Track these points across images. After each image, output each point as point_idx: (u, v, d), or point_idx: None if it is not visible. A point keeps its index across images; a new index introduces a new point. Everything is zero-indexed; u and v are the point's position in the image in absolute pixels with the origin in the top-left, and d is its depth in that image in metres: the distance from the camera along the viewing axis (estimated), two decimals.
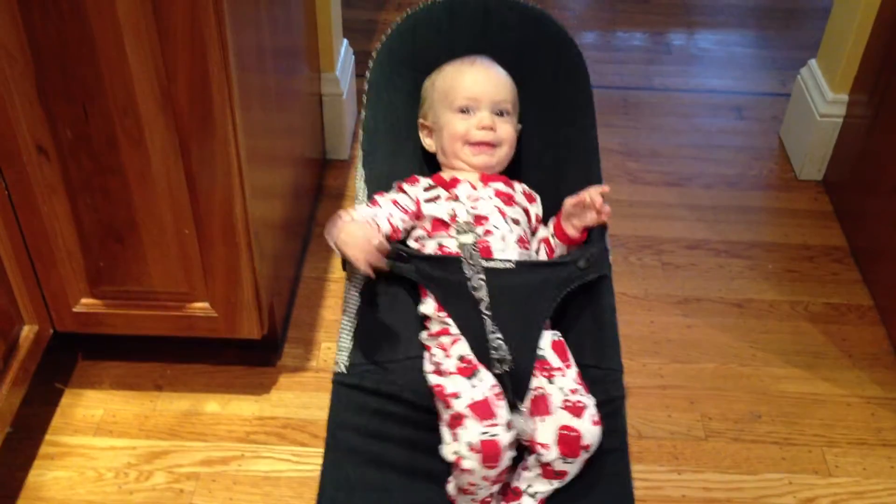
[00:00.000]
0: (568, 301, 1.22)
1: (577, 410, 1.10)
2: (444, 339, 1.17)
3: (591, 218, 1.24)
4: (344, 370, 1.21)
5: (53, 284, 1.44)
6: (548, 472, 1.10)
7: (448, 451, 1.07)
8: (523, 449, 1.14)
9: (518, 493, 1.11)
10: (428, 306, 1.21)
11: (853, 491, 1.49)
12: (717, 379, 1.67)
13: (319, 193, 2.08)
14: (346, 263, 1.24)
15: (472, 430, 1.05)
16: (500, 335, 1.13)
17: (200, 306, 1.48)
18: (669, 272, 1.90)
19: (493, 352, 1.12)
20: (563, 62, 1.35)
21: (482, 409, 1.06)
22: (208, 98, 1.25)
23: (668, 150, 2.26)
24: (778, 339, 1.76)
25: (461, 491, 1.09)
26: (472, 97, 1.29)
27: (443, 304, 1.18)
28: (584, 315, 1.24)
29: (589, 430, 1.09)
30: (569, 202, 1.25)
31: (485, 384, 1.10)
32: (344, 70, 2.12)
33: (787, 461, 1.53)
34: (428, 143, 1.36)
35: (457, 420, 1.06)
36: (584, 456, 1.10)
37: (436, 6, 1.35)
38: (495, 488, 1.10)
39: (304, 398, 1.61)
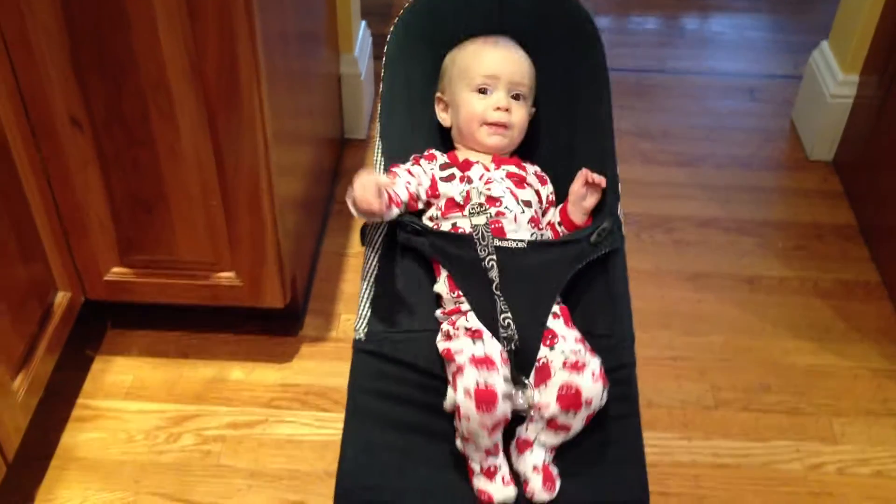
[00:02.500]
0: (580, 273, 1.24)
1: (576, 367, 1.11)
2: (456, 318, 1.21)
3: (596, 196, 1.29)
4: (363, 337, 1.24)
5: (85, 253, 1.50)
6: (552, 424, 1.12)
7: (448, 402, 1.12)
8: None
9: (528, 444, 1.15)
10: (441, 285, 1.24)
11: (859, 458, 1.53)
12: (727, 351, 1.72)
13: (338, 172, 2.13)
14: (365, 237, 1.28)
15: (470, 377, 1.08)
16: (509, 315, 1.16)
17: (226, 275, 1.53)
18: (681, 249, 1.94)
19: (501, 330, 1.15)
20: (579, 37, 1.36)
21: (482, 361, 1.09)
22: (236, 75, 1.30)
23: (681, 131, 2.30)
24: (787, 314, 1.80)
25: (464, 440, 1.13)
26: (491, 76, 1.31)
27: (456, 281, 1.21)
28: (596, 287, 1.26)
29: (588, 384, 1.10)
30: (576, 184, 1.29)
31: (489, 346, 1.13)
32: (362, 51, 2.17)
33: (794, 429, 1.58)
34: (443, 117, 1.38)
35: (458, 371, 1.10)
36: (584, 410, 1.11)
37: None
38: (497, 436, 1.13)
39: (325, 366, 1.67)
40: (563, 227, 1.31)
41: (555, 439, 1.13)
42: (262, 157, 1.39)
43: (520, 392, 1.14)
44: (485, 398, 1.07)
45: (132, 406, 1.59)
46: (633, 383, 1.19)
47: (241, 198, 1.43)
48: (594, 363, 1.12)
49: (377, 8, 2.62)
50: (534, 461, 1.13)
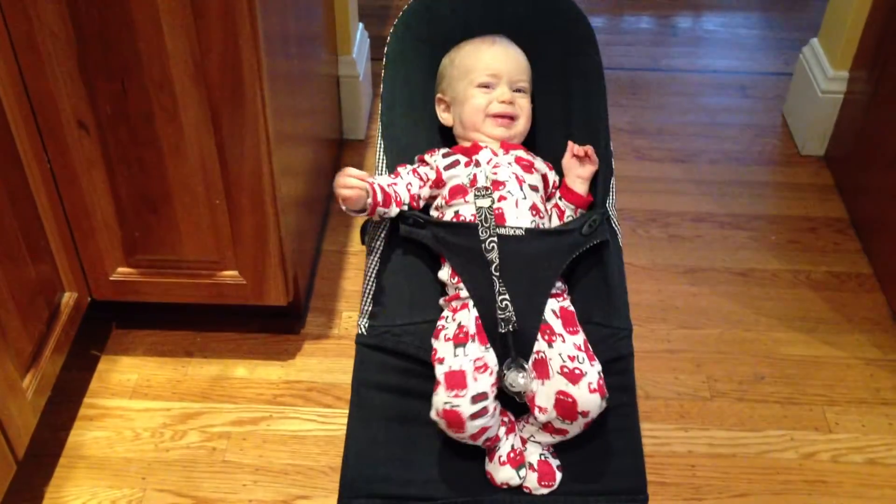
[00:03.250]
0: (578, 263, 1.28)
1: (574, 377, 1.12)
2: (455, 304, 1.23)
3: (591, 166, 1.33)
4: (365, 332, 1.26)
5: (91, 253, 1.52)
6: (548, 428, 1.15)
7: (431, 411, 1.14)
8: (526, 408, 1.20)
9: (524, 442, 1.17)
10: (444, 272, 1.27)
11: (852, 446, 1.56)
12: (722, 343, 1.75)
13: (337, 172, 2.14)
14: (365, 235, 1.31)
15: (440, 398, 1.11)
16: (507, 297, 1.18)
17: (230, 274, 1.56)
18: (676, 243, 1.97)
19: (499, 312, 1.17)
20: (573, 35, 1.40)
21: (454, 380, 1.11)
22: (239, 76, 1.33)
23: (675, 128, 2.33)
24: (781, 306, 1.83)
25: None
26: (493, 73, 1.34)
27: (456, 268, 1.23)
28: (593, 277, 1.29)
29: (585, 397, 1.11)
30: (567, 156, 1.34)
31: (468, 357, 1.14)
32: (360, 53, 2.19)
33: (789, 419, 1.61)
34: (444, 117, 1.40)
35: (436, 385, 1.13)
36: (581, 420, 1.13)
37: None
38: (484, 438, 1.14)
39: (327, 363, 1.69)
40: (566, 202, 1.33)
41: (550, 440, 1.16)
42: (264, 156, 1.42)
43: (520, 374, 1.15)
44: (453, 420, 1.10)
45: (138, 404, 1.61)
46: (631, 374, 1.22)
47: (244, 197, 1.46)
48: (592, 373, 1.13)
49: (374, 10, 2.65)
50: (530, 458, 1.15)
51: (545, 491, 1.13)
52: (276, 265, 1.55)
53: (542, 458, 1.16)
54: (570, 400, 1.11)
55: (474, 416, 1.10)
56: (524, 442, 1.17)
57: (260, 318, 1.75)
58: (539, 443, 1.16)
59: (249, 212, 1.48)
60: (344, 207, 1.22)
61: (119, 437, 1.55)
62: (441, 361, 1.14)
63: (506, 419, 1.18)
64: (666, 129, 2.32)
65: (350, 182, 1.20)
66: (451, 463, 1.18)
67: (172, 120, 1.37)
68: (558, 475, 1.14)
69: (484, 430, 1.12)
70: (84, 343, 1.67)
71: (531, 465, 1.14)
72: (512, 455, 1.14)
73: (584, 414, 1.11)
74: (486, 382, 1.12)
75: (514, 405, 1.20)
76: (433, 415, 1.11)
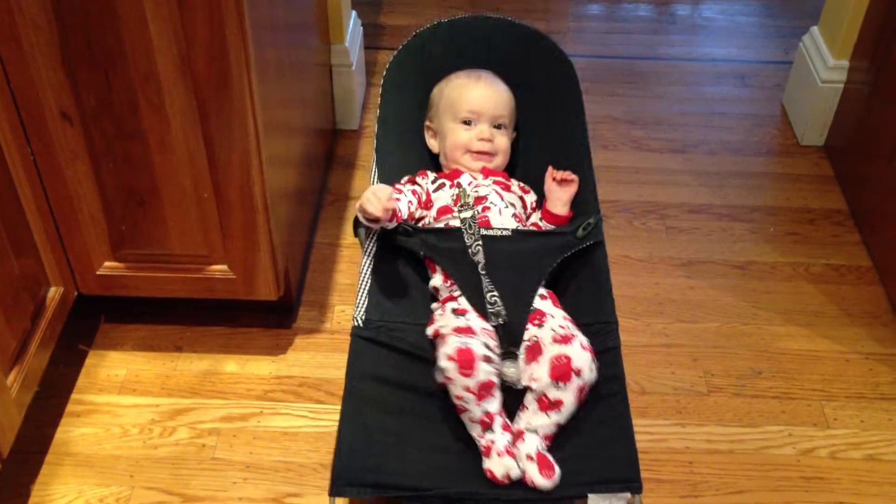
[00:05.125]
0: (565, 266, 1.35)
1: (565, 339, 1.19)
2: (449, 304, 1.28)
3: (572, 189, 1.42)
4: (361, 324, 1.28)
5: (77, 248, 1.49)
6: (543, 403, 1.17)
7: (437, 373, 1.17)
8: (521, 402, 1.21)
9: (520, 434, 1.17)
10: (437, 279, 1.33)
11: (851, 442, 1.54)
12: (720, 337, 1.72)
13: (330, 163, 2.12)
14: (357, 228, 1.35)
15: (450, 343, 1.16)
16: (495, 293, 1.25)
17: (219, 268, 1.53)
18: (673, 235, 1.95)
19: (489, 306, 1.24)
20: (556, 73, 1.51)
21: (463, 330, 1.19)
22: (226, 65, 1.30)
23: (673, 117, 2.30)
24: (779, 299, 1.80)
25: (460, 412, 1.17)
26: (475, 111, 1.45)
27: (447, 270, 1.31)
28: (581, 278, 1.36)
29: (578, 353, 1.18)
30: (548, 182, 1.44)
31: (471, 320, 1.21)
32: (353, 41, 2.16)
33: (786, 414, 1.59)
34: (432, 143, 1.52)
35: (441, 340, 1.18)
36: (575, 381, 1.16)
37: (441, 27, 1.52)
38: (486, 405, 1.15)
39: (319, 358, 1.67)
40: (545, 223, 1.43)
41: (546, 421, 1.16)
42: (253, 148, 1.39)
43: (511, 364, 1.21)
44: (464, 357, 1.14)
45: (126, 400, 1.59)
46: (620, 364, 1.26)
47: (232, 189, 1.43)
48: (581, 336, 1.21)
49: None
50: (527, 450, 1.15)
51: (547, 483, 1.13)
52: (265, 259, 1.52)
53: (539, 449, 1.16)
54: (563, 360, 1.17)
55: (485, 359, 1.15)
56: (521, 435, 1.17)
57: (251, 313, 1.72)
58: (535, 432, 1.17)
59: (238, 205, 1.45)
60: (360, 216, 1.30)
61: (107, 434, 1.53)
62: (444, 326, 1.21)
63: (503, 415, 1.20)
64: (663, 118, 2.29)
65: (382, 194, 1.26)
66: (443, 455, 1.19)
67: (158, 111, 1.34)
68: (557, 469, 1.15)
69: (490, 384, 1.16)
70: (71, 338, 1.65)
71: (529, 456, 1.15)
72: (508, 447, 1.16)
73: (578, 372, 1.17)
74: (491, 343, 1.19)
75: (511, 410, 1.21)
76: (442, 361, 1.15)
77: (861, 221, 1.96)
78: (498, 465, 1.14)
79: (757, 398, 1.61)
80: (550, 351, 1.19)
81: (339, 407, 1.23)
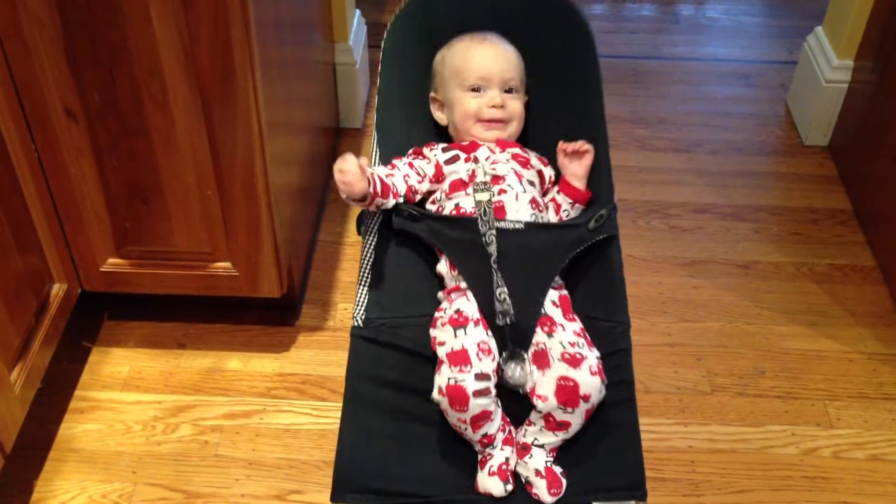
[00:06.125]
0: (578, 258, 1.26)
1: (574, 361, 1.12)
2: (455, 295, 1.22)
3: (586, 161, 1.31)
4: (361, 323, 1.25)
5: (81, 244, 1.50)
6: (550, 423, 1.13)
7: (433, 395, 1.13)
8: (527, 407, 1.18)
9: (528, 448, 1.15)
10: (443, 265, 1.26)
11: (854, 442, 1.54)
12: (723, 337, 1.72)
13: (333, 161, 2.10)
14: (361, 225, 1.29)
15: (443, 375, 1.10)
16: (505, 290, 1.17)
17: (223, 266, 1.53)
18: (677, 235, 1.95)
19: (497, 304, 1.16)
20: (571, 33, 1.38)
21: (458, 358, 1.12)
22: (230, 62, 1.30)
23: (677, 117, 2.29)
24: (782, 299, 1.80)
25: (457, 430, 1.15)
26: (483, 76, 1.33)
27: (454, 261, 1.22)
28: (594, 272, 1.28)
29: (587, 380, 1.11)
30: (560, 157, 1.33)
31: (469, 338, 1.14)
32: (357, 40, 2.16)
33: (790, 414, 1.58)
34: (439, 116, 1.40)
35: (438, 366, 1.13)
36: (583, 406, 1.12)
37: None
38: (484, 429, 1.13)
39: (322, 356, 1.67)
40: (562, 195, 1.32)
41: (553, 439, 1.14)
42: (257, 145, 1.39)
43: (518, 366, 1.15)
44: (456, 396, 1.09)
45: (129, 397, 1.59)
46: (629, 368, 1.20)
47: (236, 187, 1.43)
48: (592, 358, 1.13)
49: None
50: (535, 465, 1.13)
51: (554, 501, 1.11)
52: (269, 256, 1.52)
53: (548, 464, 1.13)
54: (571, 384, 1.11)
55: (478, 394, 1.09)
56: (528, 449, 1.14)
57: (254, 310, 1.72)
58: (542, 447, 1.14)
59: (242, 202, 1.45)
60: (344, 196, 1.20)
61: (110, 430, 1.53)
62: (442, 344, 1.14)
63: (505, 429, 1.16)
64: (667, 118, 2.29)
65: (348, 167, 1.17)
66: (445, 460, 1.16)
67: (162, 108, 1.34)
68: (564, 482, 1.13)
69: (486, 414, 1.11)
70: (75, 334, 1.65)
71: (538, 472, 1.12)
72: (503, 467, 1.12)
73: (586, 398, 1.11)
74: (489, 365, 1.12)
75: (516, 411, 1.18)
76: (435, 394, 1.11)
77: (865, 221, 1.96)
78: (485, 482, 1.12)
79: (760, 398, 1.61)
80: (558, 370, 1.13)
81: (341, 404, 1.22)
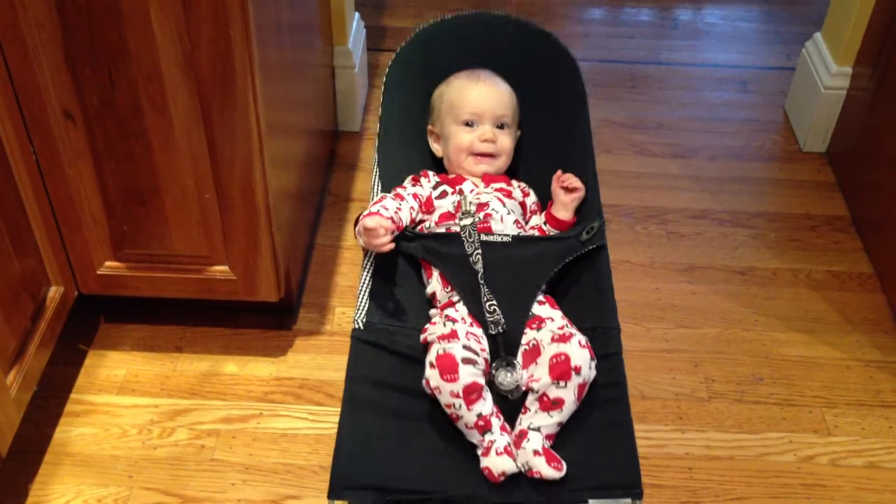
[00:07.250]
0: (565, 270, 1.33)
1: (564, 338, 1.18)
2: (448, 310, 1.26)
3: (577, 195, 1.39)
4: (361, 327, 1.27)
5: (78, 247, 1.49)
6: (545, 403, 1.16)
7: (423, 383, 1.17)
8: (519, 409, 1.20)
9: (524, 434, 1.16)
10: (435, 284, 1.32)
11: (852, 449, 1.54)
12: (721, 343, 1.72)
13: (332, 164, 2.12)
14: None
15: (432, 350, 1.16)
16: (494, 301, 1.24)
17: (220, 269, 1.53)
18: (674, 241, 1.95)
19: (487, 315, 1.23)
20: (559, 69, 1.48)
21: (445, 336, 1.18)
22: (230, 66, 1.30)
23: (674, 122, 2.30)
24: (780, 306, 1.80)
25: (453, 419, 1.16)
26: (476, 112, 1.43)
27: (446, 275, 1.30)
28: (583, 282, 1.34)
29: (576, 351, 1.16)
30: (555, 185, 1.41)
31: (458, 325, 1.21)
32: (356, 43, 2.16)
33: (787, 421, 1.58)
34: (436, 147, 1.50)
35: (427, 349, 1.18)
36: (575, 379, 1.15)
37: (445, 24, 1.49)
38: (478, 408, 1.15)
39: (319, 360, 1.66)
40: (549, 227, 1.41)
41: (549, 420, 1.16)
42: (255, 149, 1.39)
43: (508, 373, 1.20)
44: (444, 362, 1.14)
45: (125, 400, 1.58)
46: (621, 369, 1.24)
47: (234, 190, 1.43)
48: (579, 335, 1.20)
49: None
50: (533, 446, 1.15)
51: (556, 474, 1.12)
52: (267, 260, 1.52)
53: (545, 446, 1.15)
54: (562, 358, 1.15)
55: (466, 362, 1.14)
56: (525, 434, 1.16)
57: (251, 314, 1.72)
58: (538, 430, 1.16)
59: (240, 206, 1.45)
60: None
61: (106, 434, 1.53)
62: (432, 334, 1.21)
63: (500, 417, 1.19)
64: (665, 123, 2.29)
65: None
66: (443, 458, 1.18)
67: (161, 111, 1.33)
68: (564, 463, 1.14)
69: (477, 386, 1.14)
70: (71, 337, 1.64)
71: (536, 451, 1.14)
72: (508, 449, 1.15)
73: (577, 370, 1.16)
74: (477, 346, 1.18)
75: (509, 412, 1.20)
76: (426, 370, 1.15)
77: (863, 228, 1.96)
78: (496, 463, 1.13)
79: (757, 404, 1.61)
80: (549, 351, 1.18)
81: (338, 409, 1.22)
